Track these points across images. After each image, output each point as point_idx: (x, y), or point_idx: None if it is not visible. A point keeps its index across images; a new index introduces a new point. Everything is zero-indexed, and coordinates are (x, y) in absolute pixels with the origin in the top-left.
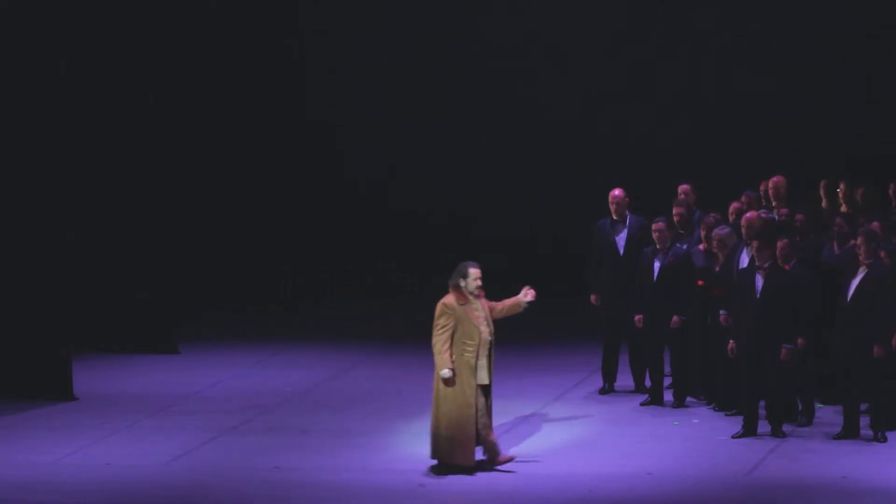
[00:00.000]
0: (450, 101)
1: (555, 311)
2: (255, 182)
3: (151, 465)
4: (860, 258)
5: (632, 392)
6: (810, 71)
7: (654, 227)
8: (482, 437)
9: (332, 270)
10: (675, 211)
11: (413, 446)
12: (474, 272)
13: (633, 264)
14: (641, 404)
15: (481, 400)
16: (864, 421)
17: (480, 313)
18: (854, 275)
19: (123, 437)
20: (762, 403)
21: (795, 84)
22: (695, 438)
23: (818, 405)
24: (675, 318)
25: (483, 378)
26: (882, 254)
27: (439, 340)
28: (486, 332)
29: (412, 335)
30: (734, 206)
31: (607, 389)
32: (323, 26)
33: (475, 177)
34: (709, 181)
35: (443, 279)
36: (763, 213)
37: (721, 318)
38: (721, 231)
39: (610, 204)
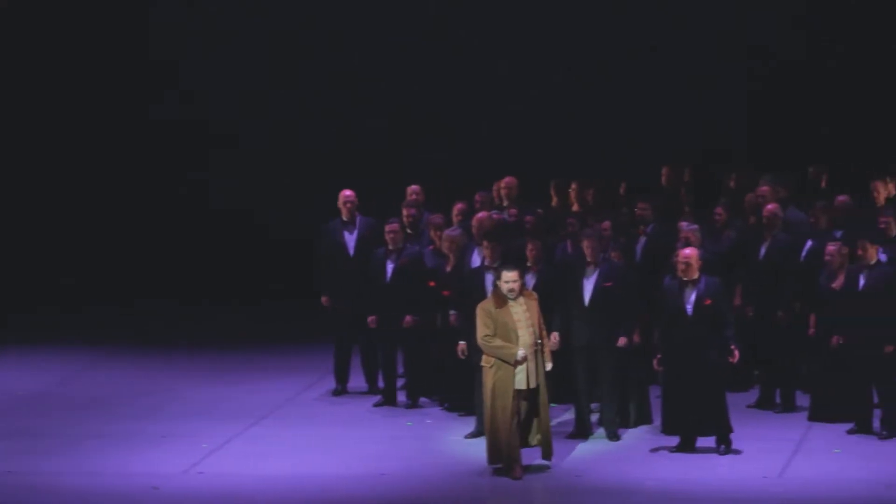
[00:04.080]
0: None
1: (287, 313)
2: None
3: None
4: (587, 258)
5: (365, 393)
6: None
7: (387, 228)
8: (531, 439)
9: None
10: (405, 212)
11: (147, 449)
12: (506, 275)
13: (363, 265)
14: (375, 405)
15: (525, 405)
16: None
17: (521, 315)
18: (585, 274)
19: None
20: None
21: None
22: (428, 438)
23: (551, 404)
24: (407, 318)
25: (521, 382)
26: (613, 253)
27: (485, 340)
28: (526, 334)
29: (151, 339)
30: (459, 206)
31: (340, 391)
32: None
33: None
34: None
35: None
36: (494, 214)
37: (452, 318)
38: (452, 232)
39: (342, 205)
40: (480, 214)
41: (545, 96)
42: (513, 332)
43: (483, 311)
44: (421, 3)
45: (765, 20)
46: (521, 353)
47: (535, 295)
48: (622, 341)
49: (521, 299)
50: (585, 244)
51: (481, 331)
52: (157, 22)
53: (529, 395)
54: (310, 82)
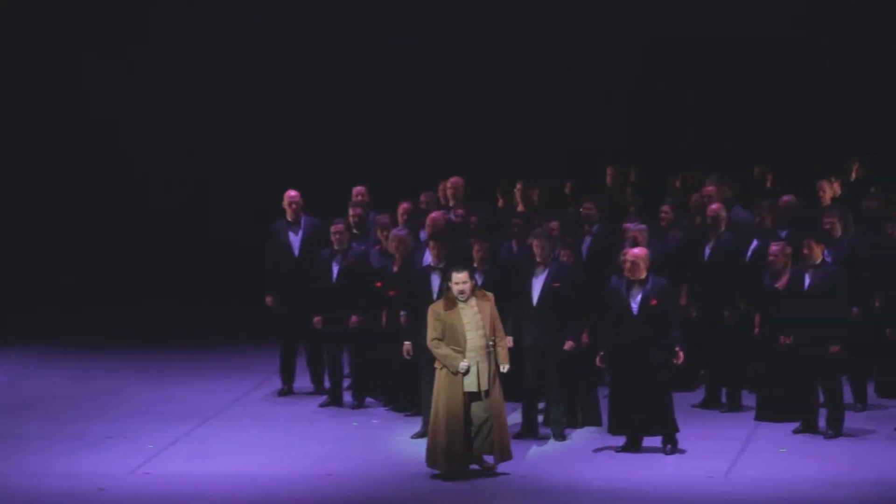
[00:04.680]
0: None
1: (234, 314)
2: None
3: None
4: (536, 258)
5: (311, 393)
6: None
7: (332, 228)
8: (484, 444)
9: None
10: (351, 212)
11: (93, 450)
12: (456, 276)
13: (308, 265)
14: (321, 405)
15: (478, 406)
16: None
17: (472, 318)
18: (534, 274)
19: None
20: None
21: None
22: (374, 439)
23: None
24: (353, 318)
25: (471, 385)
26: (562, 252)
27: (433, 344)
28: (475, 336)
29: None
30: (404, 206)
31: (286, 391)
32: None
33: None
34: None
35: None
36: (444, 214)
37: (402, 318)
38: (399, 232)
39: (287, 205)
40: (434, 214)
41: (545, 96)
42: (461, 335)
43: (432, 314)
44: (421, 3)
45: (765, 20)
46: (462, 364)
47: (490, 296)
48: (569, 345)
49: (473, 301)
50: (535, 244)
51: (429, 333)
52: (156, 22)
53: (480, 398)
54: (310, 82)
